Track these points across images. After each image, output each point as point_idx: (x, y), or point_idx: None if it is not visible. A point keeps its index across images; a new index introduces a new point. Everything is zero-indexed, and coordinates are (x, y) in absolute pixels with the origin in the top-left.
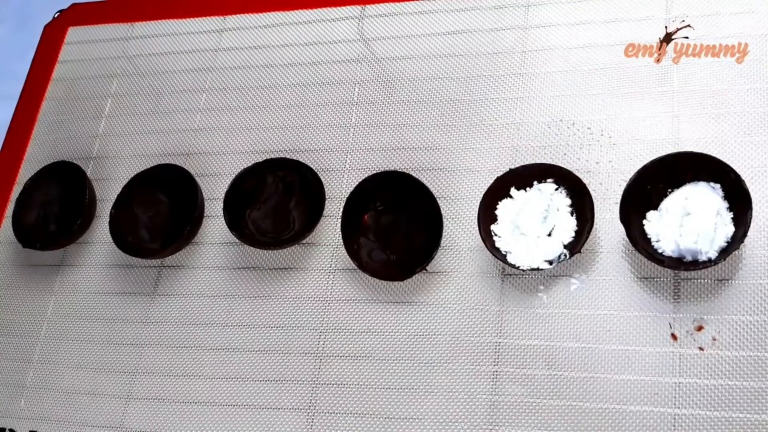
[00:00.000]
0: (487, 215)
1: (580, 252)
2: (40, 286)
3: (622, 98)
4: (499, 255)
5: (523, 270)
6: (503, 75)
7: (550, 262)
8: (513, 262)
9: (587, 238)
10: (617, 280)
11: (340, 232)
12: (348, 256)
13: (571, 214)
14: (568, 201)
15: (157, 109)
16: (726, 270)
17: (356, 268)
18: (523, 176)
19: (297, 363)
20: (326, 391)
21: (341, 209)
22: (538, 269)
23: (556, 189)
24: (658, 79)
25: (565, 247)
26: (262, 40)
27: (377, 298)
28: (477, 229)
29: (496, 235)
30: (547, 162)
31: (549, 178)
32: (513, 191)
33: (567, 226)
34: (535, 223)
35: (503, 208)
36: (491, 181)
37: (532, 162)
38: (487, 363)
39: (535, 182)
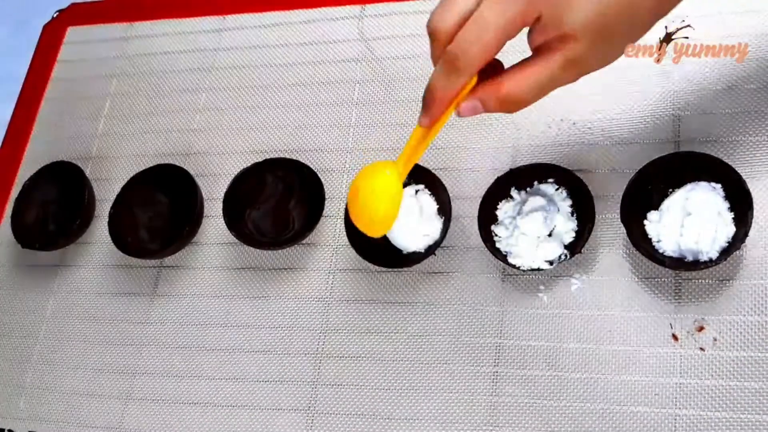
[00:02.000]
0: (487, 215)
1: (580, 252)
2: (39, 286)
3: (622, 98)
4: (499, 255)
5: (523, 270)
6: None
7: (551, 263)
8: (513, 263)
9: (588, 238)
10: (618, 280)
11: (344, 224)
12: (347, 255)
13: (572, 215)
14: (569, 201)
15: (156, 109)
16: (727, 270)
17: (356, 268)
18: (523, 176)
19: (297, 363)
20: (326, 391)
21: (341, 209)
22: (538, 269)
23: (557, 189)
24: (658, 79)
25: (566, 247)
26: (261, 39)
27: (377, 298)
28: (477, 229)
29: (496, 235)
30: (547, 162)
31: (549, 178)
32: (513, 191)
33: (567, 227)
34: (535, 223)
35: (503, 208)
36: (491, 181)
37: (532, 162)
38: (488, 364)
39: (536, 182)
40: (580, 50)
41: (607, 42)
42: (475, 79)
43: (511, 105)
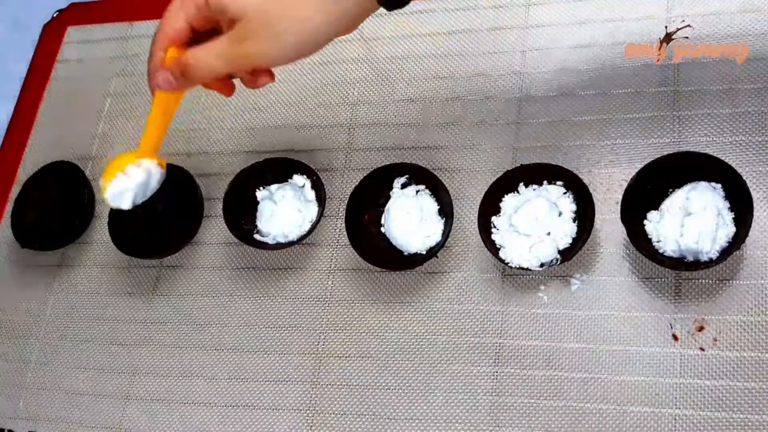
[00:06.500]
0: (487, 215)
1: (569, 260)
2: (38, 286)
3: (622, 98)
4: (492, 248)
5: (512, 267)
6: (503, 74)
7: (542, 265)
8: (503, 258)
9: (582, 247)
10: (618, 280)
11: (344, 223)
12: (347, 255)
13: (573, 221)
14: (573, 207)
15: None
16: (727, 270)
17: (356, 268)
18: (533, 174)
19: (297, 363)
20: (326, 391)
21: (341, 209)
22: (528, 269)
23: (564, 193)
24: (658, 79)
25: (560, 252)
26: None
27: (377, 298)
28: (477, 229)
29: (494, 227)
30: (547, 162)
31: (559, 180)
32: (521, 187)
33: (565, 231)
34: (534, 223)
35: (507, 202)
36: (491, 182)
37: (532, 162)
38: (488, 363)
39: (545, 182)
40: (244, 30)
41: (270, 28)
42: (173, 51)
43: (194, 73)
